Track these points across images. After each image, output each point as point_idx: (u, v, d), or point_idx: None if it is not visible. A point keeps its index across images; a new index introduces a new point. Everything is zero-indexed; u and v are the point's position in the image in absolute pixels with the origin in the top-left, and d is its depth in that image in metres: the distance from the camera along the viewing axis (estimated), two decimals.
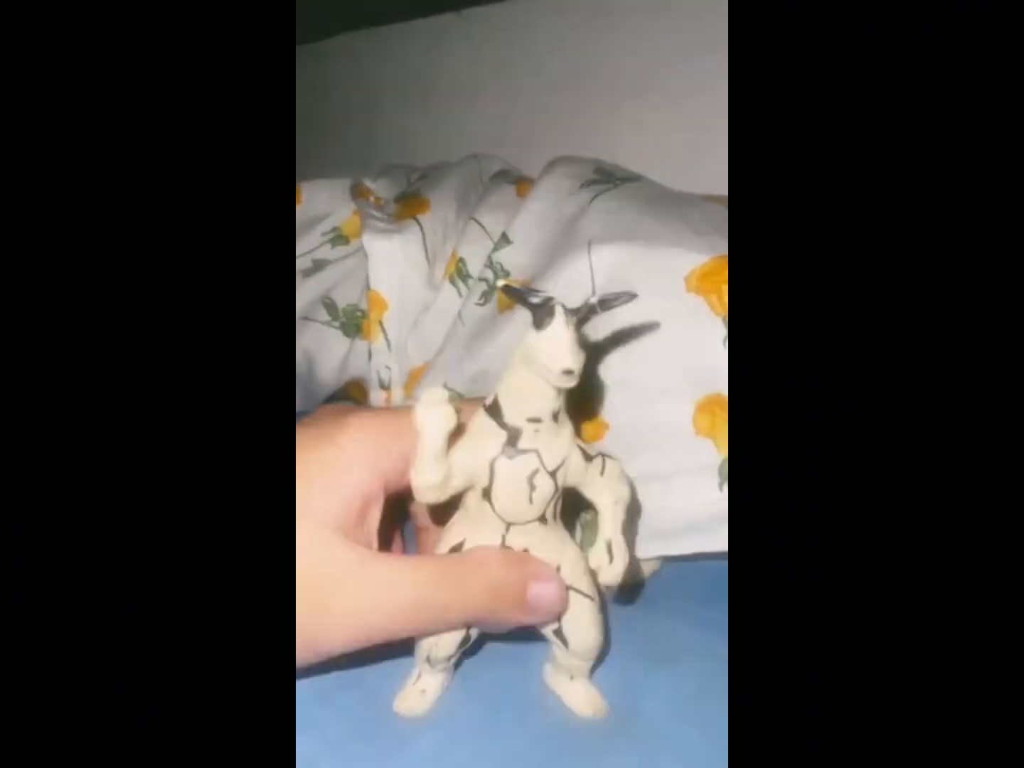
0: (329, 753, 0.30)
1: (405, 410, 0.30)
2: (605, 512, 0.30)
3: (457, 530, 0.30)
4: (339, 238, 0.65)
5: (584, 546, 0.31)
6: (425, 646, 0.31)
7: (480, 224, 0.59)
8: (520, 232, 0.55)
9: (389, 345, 0.57)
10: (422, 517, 0.36)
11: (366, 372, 0.58)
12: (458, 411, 0.27)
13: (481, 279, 0.55)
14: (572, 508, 0.33)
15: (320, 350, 0.60)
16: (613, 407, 0.43)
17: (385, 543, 0.32)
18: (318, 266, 0.63)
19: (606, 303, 0.27)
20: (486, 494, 0.29)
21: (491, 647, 0.35)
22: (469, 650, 0.32)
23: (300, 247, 0.64)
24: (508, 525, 0.29)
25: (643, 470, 0.40)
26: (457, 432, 0.27)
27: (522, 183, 0.64)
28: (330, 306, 0.61)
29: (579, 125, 0.77)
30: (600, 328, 0.43)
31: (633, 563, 0.31)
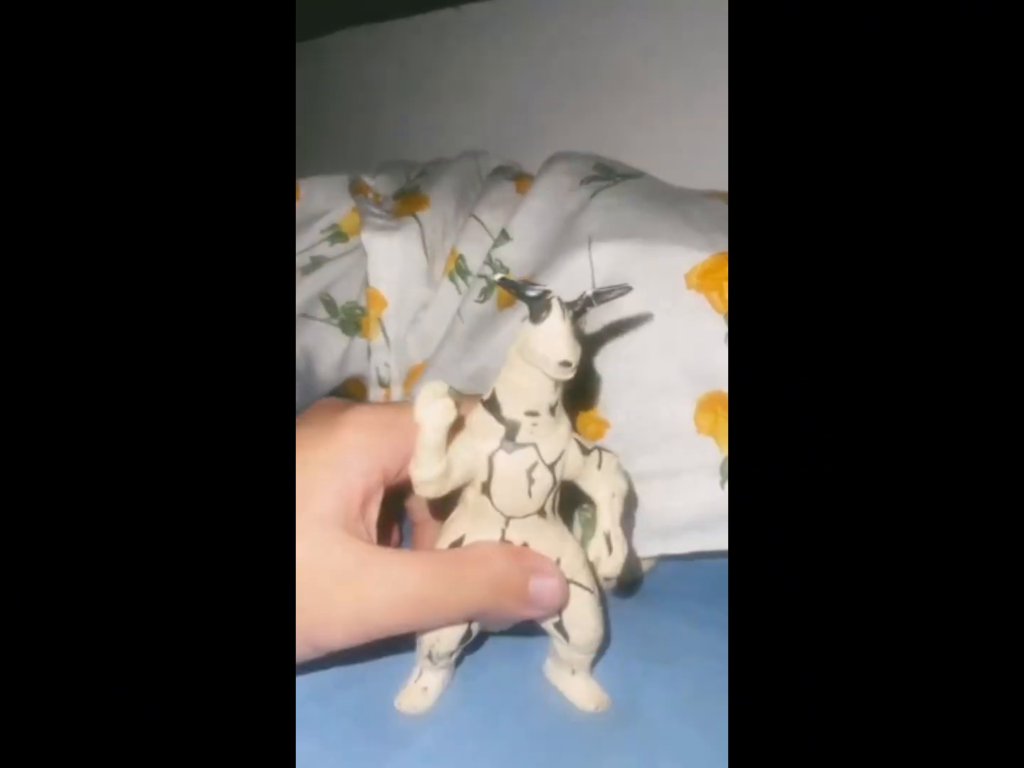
0: (329, 751, 0.30)
1: (403, 405, 0.30)
2: (603, 505, 0.30)
3: (457, 525, 0.30)
4: (338, 235, 0.65)
5: (583, 541, 0.32)
6: (427, 642, 0.31)
7: (479, 221, 0.59)
8: (520, 229, 0.54)
9: (388, 342, 0.57)
10: (418, 512, 0.36)
11: (365, 370, 0.58)
12: (457, 405, 0.27)
13: (480, 276, 0.55)
14: (570, 502, 0.33)
15: (319, 348, 0.60)
16: (614, 405, 0.43)
17: (384, 537, 0.32)
18: (317, 263, 0.63)
19: (601, 296, 0.27)
20: (485, 488, 0.29)
21: (491, 644, 0.35)
22: (470, 646, 0.32)
23: (299, 244, 0.64)
24: (507, 519, 0.29)
25: (644, 468, 0.40)
26: (456, 426, 0.27)
27: (522, 179, 0.64)
28: (329, 303, 0.61)
29: (579, 121, 0.77)
30: (600, 325, 0.43)
31: (632, 555, 0.31)
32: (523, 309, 0.27)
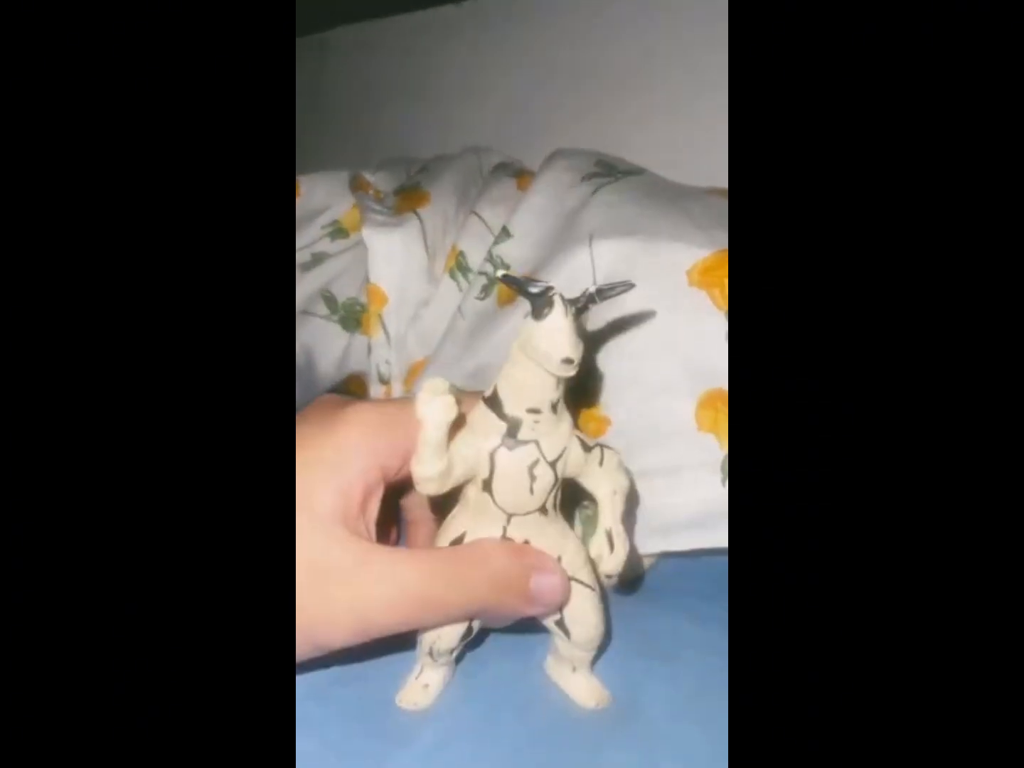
0: (329, 750, 0.30)
1: (404, 402, 0.30)
2: (604, 502, 0.30)
3: (458, 523, 0.30)
4: (338, 231, 0.65)
5: (584, 538, 0.32)
6: (427, 639, 0.31)
7: (480, 217, 0.59)
8: (520, 225, 0.54)
9: (389, 339, 0.57)
10: (413, 511, 0.36)
11: (366, 366, 0.58)
12: (458, 402, 0.27)
13: (481, 273, 0.55)
14: (570, 500, 0.33)
15: (319, 344, 0.60)
16: (615, 402, 0.43)
17: (382, 535, 0.32)
18: (317, 259, 0.63)
19: (604, 292, 0.27)
20: (486, 486, 0.29)
21: (491, 641, 0.35)
22: (471, 644, 0.32)
23: (299, 241, 0.63)
24: (509, 516, 0.29)
25: (645, 466, 0.40)
26: (458, 423, 0.27)
27: (523, 176, 0.63)
28: (329, 300, 0.61)
29: (580, 117, 0.76)
30: (601, 322, 0.43)
31: (633, 553, 0.31)
32: (524, 306, 0.27)
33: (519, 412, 0.28)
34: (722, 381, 0.41)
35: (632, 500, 0.33)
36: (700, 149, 0.61)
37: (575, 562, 0.31)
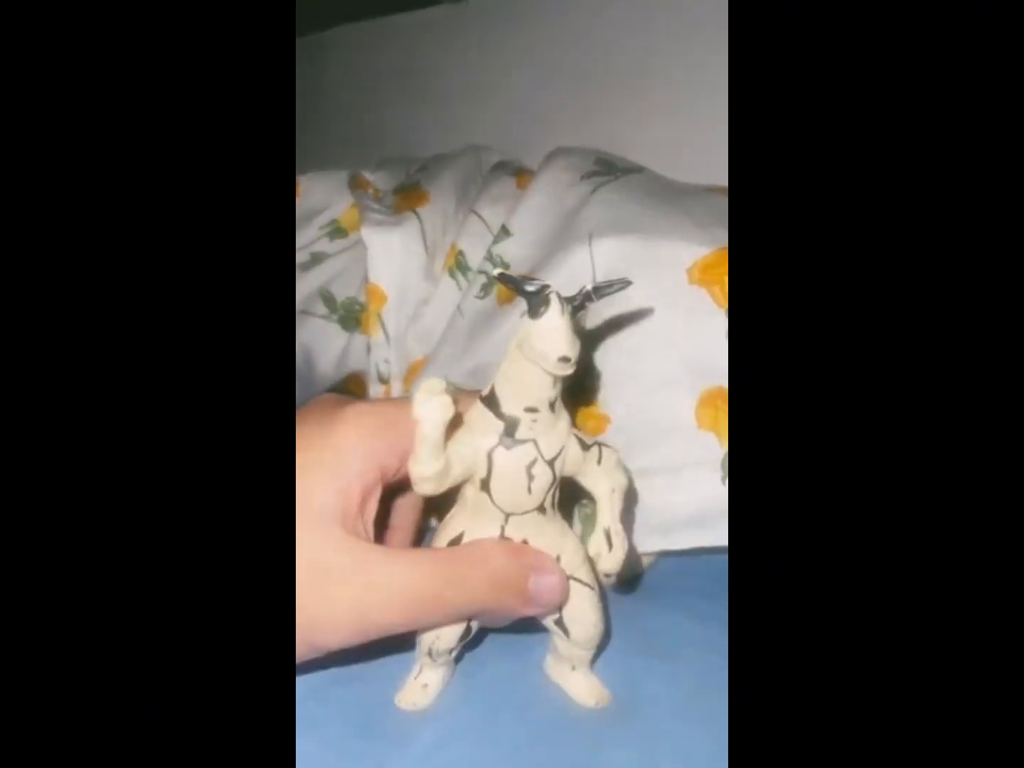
0: (329, 750, 0.30)
1: (402, 402, 0.29)
2: (603, 500, 0.30)
3: (455, 523, 0.30)
4: (338, 231, 0.65)
5: (583, 537, 0.31)
6: (426, 640, 0.30)
7: (480, 216, 0.59)
8: (520, 224, 0.54)
9: (388, 338, 0.57)
10: (395, 516, 0.36)
11: (365, 366, 0.58)
12: (456, 401, 0.27)
13: (480, 272, 0.55)
14: (569, 498, 0.33)
15: (319, 344, 0.60)
16: (614, 400, 0.43)
17: (379, 535, 0.32)
18: (316, 259, 0.63)
19: (600, 290, 0.27)
20: (484, 485, 0.29)
21: (490, 641, 0.35)
22: (469, 644, 0.32)
23: (298, 240, 0.63)
24: (507, 516, 0.29)
25: (645, 464, 0.40)
26: (455, 422, 0.27)
27: (522, 175, 0.63)
28: (328, 299, 0.61)
29: (581, 116, 0.76)
30: (601, 320, 0.43)
31: (632, 551, 0.31)
32: (523, 305, 0.27)
33: (517, 411, 0.28)
34: (722, 379, 0.41)
35: (631, 498, 0.33)
36: (700, 148, 0.61)
37: (574, 561, 0.31)
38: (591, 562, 0.31)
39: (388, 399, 0.40)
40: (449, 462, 0.28)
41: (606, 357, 0.43)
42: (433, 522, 0.40)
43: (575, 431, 0.30)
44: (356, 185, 0.66)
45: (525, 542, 0.30)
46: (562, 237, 0.50)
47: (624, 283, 0.28)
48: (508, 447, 0.28)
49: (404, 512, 0.35)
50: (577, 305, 0.27)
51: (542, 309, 0.26)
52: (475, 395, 0.29)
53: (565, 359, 0.26)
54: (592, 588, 0.31)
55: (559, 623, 0.31)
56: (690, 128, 0.68)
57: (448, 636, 0.30)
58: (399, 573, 0.28)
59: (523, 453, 0.28)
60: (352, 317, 0.60)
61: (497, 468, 0.28)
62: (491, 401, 0.28)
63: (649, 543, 0.41)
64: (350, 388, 0.60)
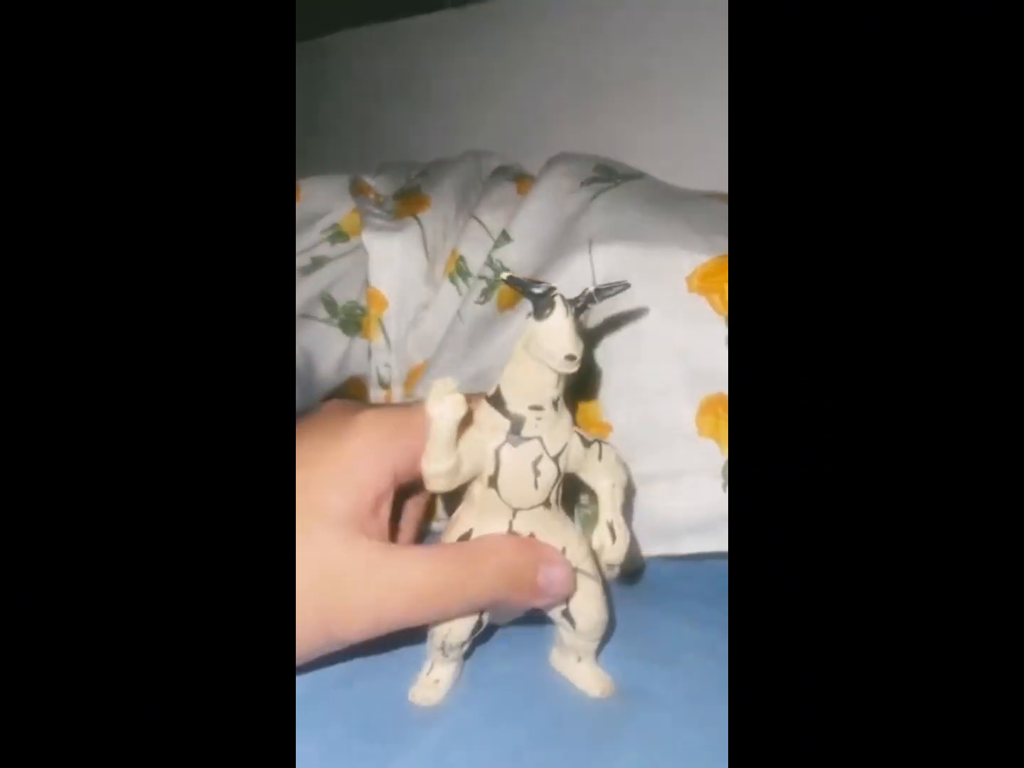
0: (332, 749, 0.30)
1: (413, 407, 0.31)
2: (604, 495, 0.31)
3: (464, 519, 0.31)
4: (339, 235, 0.65)
5: (585, 533, 0.32)
6: (439, 634, 0.31)
7: (480, 222, 0.59)
8: (520, 230, 0.55)
9: (389, 343, 0.57)
10: (402, 517, 0.36)
11: (366, 370, 0.58)
12: (467, 400, 0.27)
13: (481, 277, 0.55)
14: (569, 495, 0.34)
15: (319, 348, 0.60)
16: (615, 409, 0.44)
17: (392, 535, 0.33)
18: (317, 263, 0.63)
19: (602, 292, 0.28)
20: (492, 482, 0.30)
21: (491, 640, 0.35)
22: (479, 638, 0.33)
23: (299, 244, 0.64)
24: (514, 511, 0.30)
25: (647, 471, 0.41)
26: (466, 421, 0.28)
27: (522, 180, 0.64)
28: (329, 303, 0.61)
29: (581, 121, 0.77)
30: (601, 329, 0.43)
31: (633, 544, 0.32)
32: (523, 311, 0.27)
33: (522, 409, 0.29)
34: (722, 386, 0.42)
35: (630, 493, 0.35)
36: (701, 152, 0.61)
37: (578, 553, 0.32)
38: (594, 554, 0.32)
39: (397, 404, 0.40)
40: (459, 459, 0.29)
41: (607, 366, 0.44)
42: (435, 525, 0.41)
43: (576, 429, 0.31)
44: (357, 190, 0.66)
45: (532, 536, 0.31)
46: (562, 243, 0.50)
47: (624, 285, 0.29)
48: (515, 444, 0.29)
49: (409, 513, 0.36)
50: (580, 307, 0.28)
51: (547, 311, 0.27)
52: (481, 396, 0.30)
53: (571, 357, 0.27)
54: (596, 579, 0.32)
55: (565, 614, 0.32)
56: (691, 132, 0.68)
57: (460, 630, 0.31)
58: (415, 568, 0.29)
59: (529, 450, 0.29)
60: (353, 321, 0.60)
61: (504, 465, 0.29)
62: (497, 400, 0.29)
63: (651, 548, 0.41)
64: (351, 392, 0.60)
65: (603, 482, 0.31)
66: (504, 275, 0.28)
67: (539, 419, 0.29)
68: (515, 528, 0.31)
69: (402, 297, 0.57)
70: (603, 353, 0.44)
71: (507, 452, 0.29)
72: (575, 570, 0.31)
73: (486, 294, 0.54)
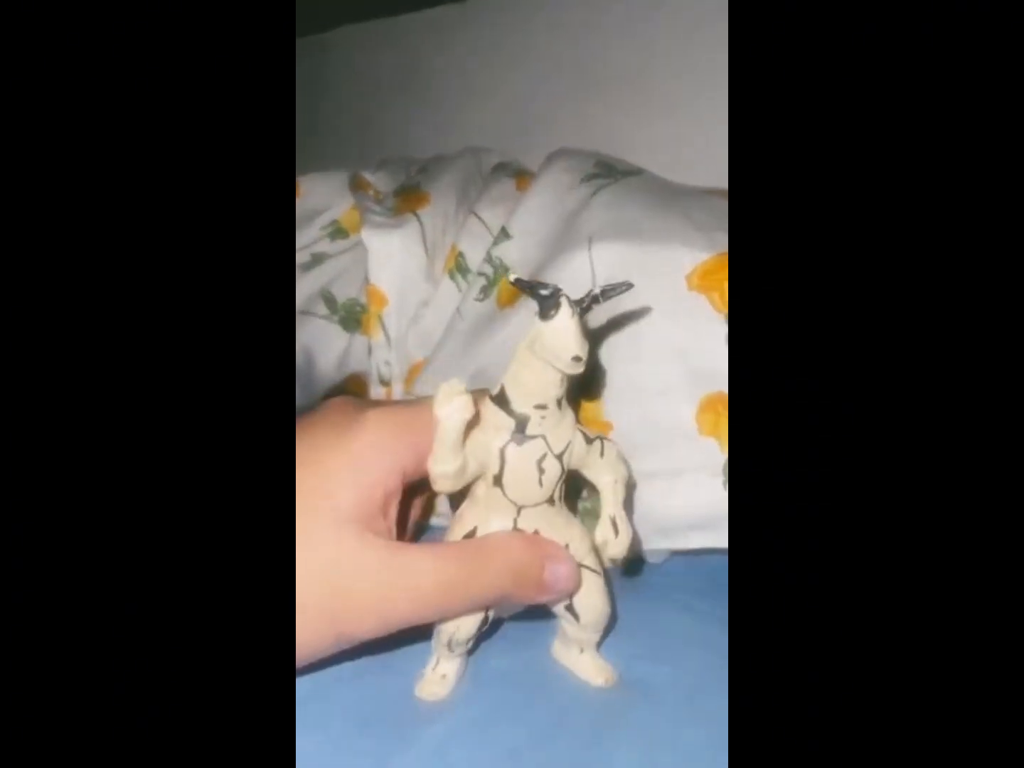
0: (335, 746, 0.30)
1: (420, 404, 0.31)
2: (606, 490, 0.32)
3: (468, 517, 0.31)
4: (338, 231, 0.65)
5: (587, 527, 0.33)
6: (447, 631, 0.31)
7: (480, 218, 0.59)
8: (520, 226, 0.54)
9: (389, 340, 0.57)
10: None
11: (366, 367, 0.58)
12: (474, 401, 0.28)
13: (480, 274, 0.55)
14: (570, 491, 0.34)
15: (319, 345, 0.60)
16: (616, 408, 0.44)
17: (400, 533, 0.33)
18: (317, 260, 0.63)
19: (607, 293, 0.28)
20: (497, 480, 0.30)
21: (491, 637, 0.36)
22: (485, 634, 0.33)
23: (300, 241, 0.64)
24: (519, 509, 0.31)
25: (648, 468, 0.41)
26: (473, 421, 0.28)
27: (522, 176, 0.63)
28: (330, 300, 0.61)
29: (581, 116, 0.76)
30: (601, 328, 0.43)
31: (634, 537, 0.33)
32: (523, 309, 0.27)
33: (527, 409, 0.29)
34: (722, 385, 0.42)
35: (631, 488, 0.35)
36: (700, 147, 0.61)
37: (581, 549, 0.32)
38: (596, 549, 0.32)
39: (402, 401, 0.40)
40: (466, 460, 0.29)
41: (607, 365, 0.44)
42: (434, 521, 0.41)
43: (579, 426, 0.31)
44: (357, 186, 0.66)
45: (536, 533, 0.31)
46: (562, 240, 0.50)
47: (627, 285, 0.29)
48: (519, 443, 0.30)
49: (408, 511, 0.36)
50: (585, 307, 0.28)
51: (552, 312, 0.27)
52: (484, 394, 0.30)
53: (578, 358, 0.27)
54: (599, 573, 0.33)
55: (569, 608, 0.33)
56: (689, 127, 0.68)
57: (467, 626, 0.31)
58: (424, 567, 0.29)
59: (534, 448, 0.30)
60: (353, 318, 0.60)
61: (509, 463, 0.30)
62: (501, 400, 0.30)
63: (653, 546, 0.41)
64: (351, 389, 0.60)
65: (605, 478, 0.32)
66: (511, 277, 0.28)
67: (543, 418, 0.29)
68: (519, 525, 0.31)
69: (402, 294, 0.57)
70: (603, 352, 0.44)
71: (512, 451, 0.30)
72: (579, 565, 0.32)
73: (485, 291, 0.53)
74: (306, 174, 0.67)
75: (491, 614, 0.32)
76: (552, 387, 0.29)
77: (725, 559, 0.34)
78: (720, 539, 0.39)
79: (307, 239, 0.64)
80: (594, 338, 0.44)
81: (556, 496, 0.31)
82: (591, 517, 0.37)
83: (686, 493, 0.41)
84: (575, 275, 0.46)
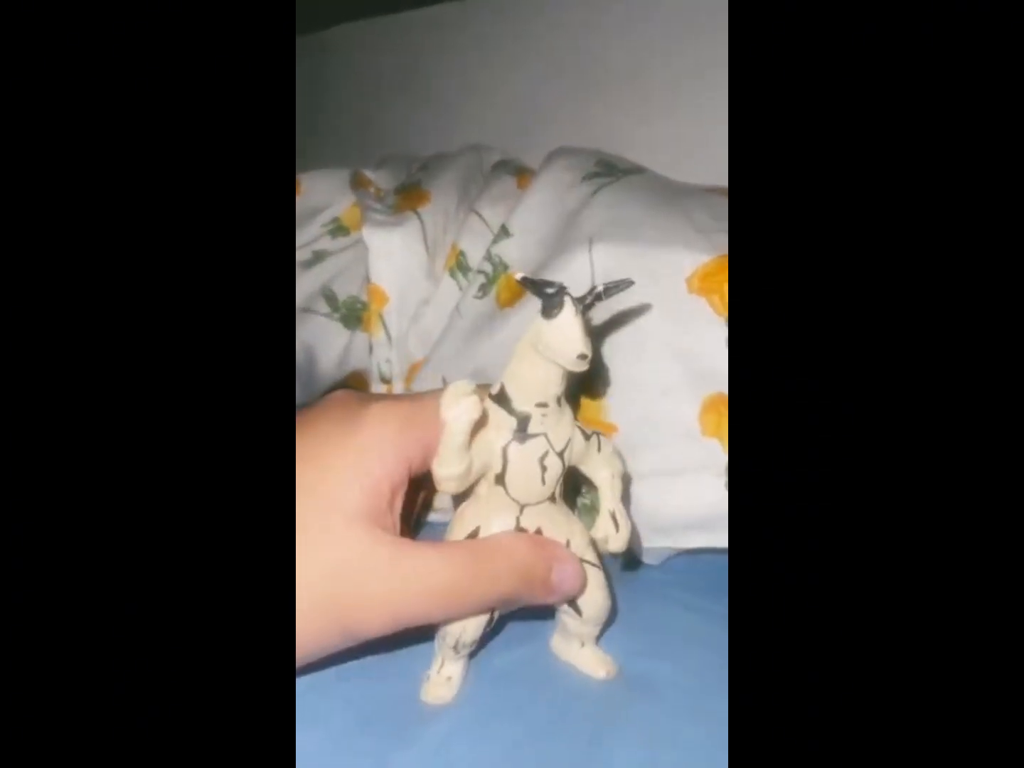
0: (333, 743, 0.30)
1: (424, 397, 0.31)
2: (604, 486, 0.32)
3: (470, 516, 0.31)
4: (339, 229, 0.65)
5: (584, 521, 0.33)
6: (453, 632, 0.31)
7: (480, 216, 0.59)
8: (520, 224, 0.54)
9: (389, 338, 0.57)
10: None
11: (367, 364, 0.58)
12: (482, 402, 0.28)
13: (479, 272, 0.55)
14: (568, 487, 0.34)
15: (320, 342, 0.60)
16: (618, 410, 0.44)
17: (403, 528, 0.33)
18: (318, 257, 0.63)
19: (609, 290, 0.29)
20: (499, 479, 0.30)
21: (491, 638, 0.35)
22: (489, 634, 0.33)
23: (300, 238, 0.64)
24: (522, 507, 0.31)
25: (650, 468, 0.41)
26: (480, 422, 0.28)
27: (523, 174, 0.63)
28: (330, 298, 0.61)
29: (581, 114, 0.76)
30: (602, 330, 0.43)
31: (633, 532, 0.33)
32: (522, 307, 0.27)
33: (528, 407, 0.29)
34: (723, 386, 0.42)
35: (628, 482, 0.36)
36: (700, 145, 0.61)
37: (581, 544, 0.32)
38: (596, 545, 0.33)
39: (405, 395, 0.40)
40: (471, 461, 0.29)
41: (610, 367, 0.44)
42: (432, 516, 0.41)
43: (577, 423, 0.31)
44: (357, 184, 0.66)
45: (539, 530, 0.31)
46: (562, 239, 0.50)
47: (629, 282, 0.29)
48: (521, 442, 0.30)
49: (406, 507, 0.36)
50: (588, 304, 0.28)
51: (556, 311, 0.27)
52: (483, 393, 0.30)
53: (583, 356, 0.27)
54: (599, 568, 0.33)
55: (572, 604, 0.33)
56: (689, 126, 0.68)
57: (473, 628, 0.31)
58: (431, 567, 0.29)
59: (535, 446, 0.30)
60: (354, 316, 0.60)
61: (512, 462, 0.30)
62: (502, 399, 0.30)
63: (655, 544, 0.42)
64: (352, 386, 0.60)
65: (603, 472, 0.32)
66: (517, 276, 0.28)
67: (544, 416, 0.29)
68: (522, 524, 0.31)
69: (402, 292, 0.57)
70: (605, 352, 0.44)
71: (514, 450, 0.30)
72: (581, 561, 0.32)
73: (484, 289, 0.53)
74: (307, 172, 0.67)
75: (496, 615, 0.32)
76: (553, 385, 0.29)
77: (724, 558, 0.35)
78: (723, 539, 0.39)
79: (308, 236, 0.64)
80: (597, 338, 0.44)
81: (557, 493, 0.32)
82: (590, 513, 0.38)
83: (689, 493, 0.41)
84: (576, 275, 0.46)
